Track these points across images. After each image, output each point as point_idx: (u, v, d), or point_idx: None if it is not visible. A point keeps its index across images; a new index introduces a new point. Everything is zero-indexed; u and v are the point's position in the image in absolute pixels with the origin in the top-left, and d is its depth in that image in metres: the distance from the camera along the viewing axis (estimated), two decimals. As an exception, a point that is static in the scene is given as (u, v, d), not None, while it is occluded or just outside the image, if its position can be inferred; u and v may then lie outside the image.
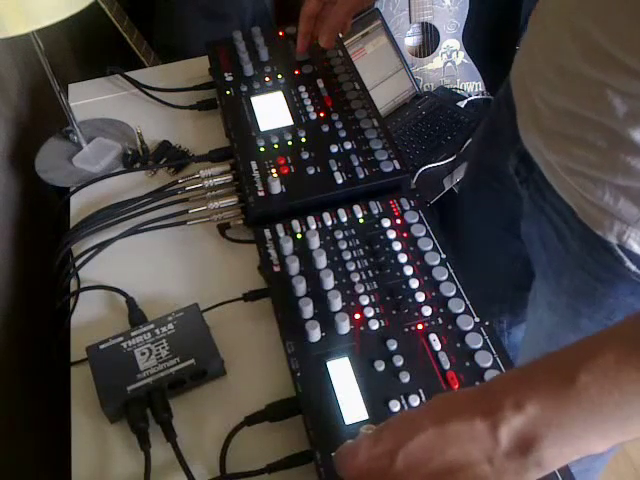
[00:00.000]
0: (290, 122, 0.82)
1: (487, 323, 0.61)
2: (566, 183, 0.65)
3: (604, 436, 0.41)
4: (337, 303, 0.62)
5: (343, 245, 0.68)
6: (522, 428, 0.41)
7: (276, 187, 0.74)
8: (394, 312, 0.63)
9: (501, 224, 0.86)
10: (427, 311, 0.62)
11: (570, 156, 0.63)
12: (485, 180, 0.87)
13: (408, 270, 0.66)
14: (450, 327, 0.61)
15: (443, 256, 0.67)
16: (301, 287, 0.64)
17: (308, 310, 0.62)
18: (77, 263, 0.76)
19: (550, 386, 0.41)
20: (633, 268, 0.63)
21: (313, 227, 0.71)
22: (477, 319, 0.61)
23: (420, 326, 0.61)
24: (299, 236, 0.70)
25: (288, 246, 0.68)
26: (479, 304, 0.63)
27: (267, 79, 0.88)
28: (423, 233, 0.69)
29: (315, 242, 0.68)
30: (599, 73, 0.56)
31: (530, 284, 0.83)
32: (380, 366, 0.58)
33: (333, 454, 0.49)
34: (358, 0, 0.81)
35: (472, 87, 1.76)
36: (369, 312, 0.63)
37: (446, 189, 1.52)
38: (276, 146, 0.79)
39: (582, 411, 0.40)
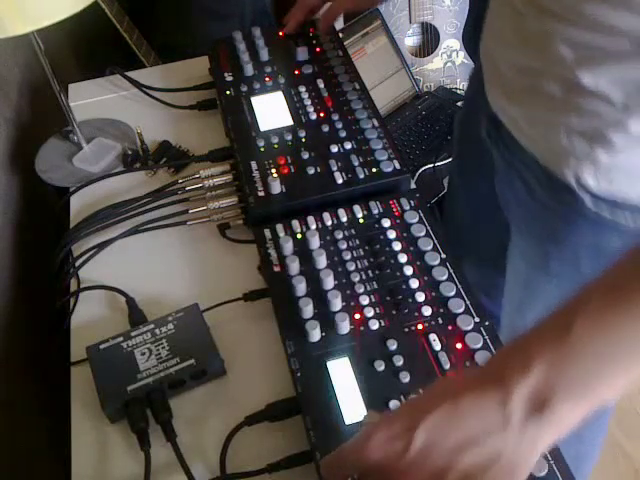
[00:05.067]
0: (290, 122, 0.82)
1: (487, 323, 0.61)
2: (529, 135, 0.71)
3: (612, 383, 0.42)
4: (337, 303, 0.62)
5: (343, 245, 0.68)
6: (533, 389, 0.41)
7: (276, 187, 0.74)
8: (394, 312, 0.63)
9: (484, 191, 0.90)
10: (427, 311, 0.62)
11: (530, 107, 0.69)
12: (468, 151, 0.94)
13: (408, 270, 0.66)
14: (450, 327, 0.61)
15: (443, 256, 0.67)
16: (301, 287, 0.64)
17: (308, 310, 0.62)
18: (77, 263, 0.76)
19: (549, 343, 0.42)
20: (589, 205, 0.67)
21: (313, 227, 0.71)
22: (477, 319, 0.61)
23: (420, 326, 0.61)
24: (299, 236, 0.70)
25: (288, 246, 0.68)
26: (479, 304, 0.63)
27: (267, 79, 0.88)
28: (423, 233, 0.69)
29: (315, 242, 0.68)
30: (547, 27, 0.62)
31: (507, 234, 0.88)
32: (380, 366, 0.58)
33: (329, 455, 0.48)
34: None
35: (472, 87, 1.75)
36: (369, 312, 0.63)
37: (446, 189, 1.52)
38: (276, 146, 0.79)
39: (584, 359, 0.41)
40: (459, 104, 1.69)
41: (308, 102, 0.84)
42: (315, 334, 0.61)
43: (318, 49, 0.92)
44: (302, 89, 0.86)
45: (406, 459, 0.42)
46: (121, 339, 0.65)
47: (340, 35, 0.96)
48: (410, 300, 0.63)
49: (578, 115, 0.64)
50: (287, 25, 0.93)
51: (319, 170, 0.76)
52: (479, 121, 0.83)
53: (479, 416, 0.42)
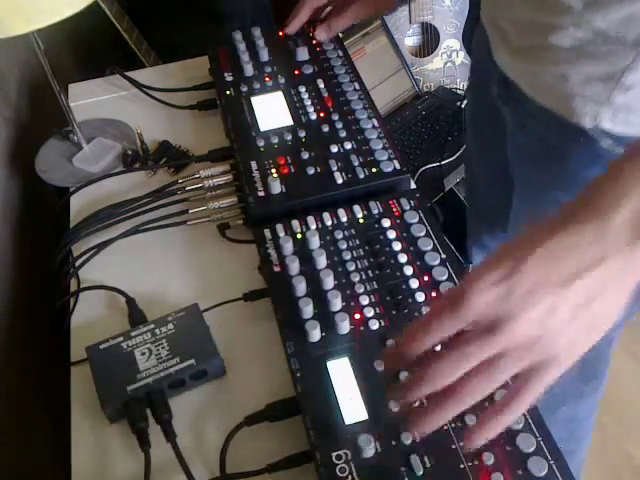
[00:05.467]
0: (290, 122, 0.82)
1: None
2: (540, 88, 0.73)
3: None
4: (337, 303, 0.62)
5: (343, 245, 0.68)
6: (634, 210, 0.40)
7: (276, 187, 0.74)
8: (394, 312, 0.63)
9: (497, 154, 0.92)
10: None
11: (540, 62, 0.71)
12: (480, 116, 0.96)
13: (408, 270, 0.66)
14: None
15: (443, 256, 0.67)
16: (301, 287, 0.64)
17: (308, 310, 0.62)
18: (77, 263, 0.76)
19: None
20: (605, 146, 0.69)
21: (313, 227, 0.71)
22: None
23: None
24: (299, 236, 0.70)
25: (288, 246, 0.68)
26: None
27: (267, 79, 0.88)
28: (423, 233, 0.69)
29: (315, 242, 0.68)
30: None
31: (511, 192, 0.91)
32: (380, 366, 0.58)
33: (409, 327, 0.44)
34: (379, 6, 0.89)
35: (472, 87, 1.75)
36: (369, 312, 0.63)
37: (446, 189, 1.52)
38: (276, 146, 0.79)
39: None
40: (459, 104, 1.70)
41: (308, 102, 0.84)
42: (315, 334, 0.61)
43: (318, 49, 0.92)
44: (302, 89, 0.86)
45: (510, 303, 0.40)
46: (121, 339, 0.65)
47: (340, 35, 0.96)
48: (410, 300, 0.63)
49: (590, 61, 0.65)
50: (289, 25, 0.93)
51: (319, 170, 0.76)
52: (488, 85, 0.85)
53: (581, 249, 0.41)
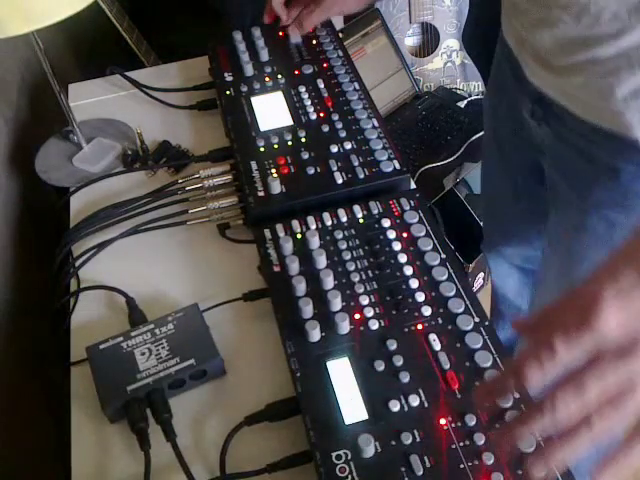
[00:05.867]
0: (290, 122, 0.82)
1: (487, 323, 0.61)
2: (585, 101, 0.70)
3: None
4: (337, 303, 0.62)
5: (343, 245, 0.68)
6: None
7: (276, 187, 0.74)
8: (394, 312, 0.63)
9: (522, 176, 0.91)
10: (427, 311, 0.62)
11: (586, 76, 0.68)
12: (503, 141, 0.93)
13: (408, 270, 0.66)
14: (450, 327, 0.61)
15: (443, 256, 0.67)
16: (301, 287, 0.64)
17: (308, 310, 0.62)
18: (77, 263, 0.76)
19: None
20: None
21: (313, 227, 0.71)
22: (477, 319, 0.61)
23: (420, 326, 0.61)
24: (299, 236, 0.70)
25: (288, 246, 0.68)
26: (479, 304, 0.63)
27: (267, 79, 0.88)
28: (423, 233, 0.69)
29: (315, 242, 0.68)
30: None
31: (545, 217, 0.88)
32: (380, 366, 0.58)
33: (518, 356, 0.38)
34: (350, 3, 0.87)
35: (472, 87, 1.76)
36: (369, 312, 0.63)
37: (446, 189, 1.52)
38: (276, 146, 0.79)
39: None
40: (459, 104, 1.70)
41: (308, 102, 0.84)
42: (315, 334, 0.61)
43: (318, 49, 0.92)
44: (302, 89, 0.86)
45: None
46: (121, 339, 0.65)
47: (340, 35, 0.96)
48: (410, 300, 0.63)
49: (637, 70, 0.63)
50: (265, 19, 0.94)
51: (319, 170, 0.76)
52: (517, 105, 0.82)
53: None
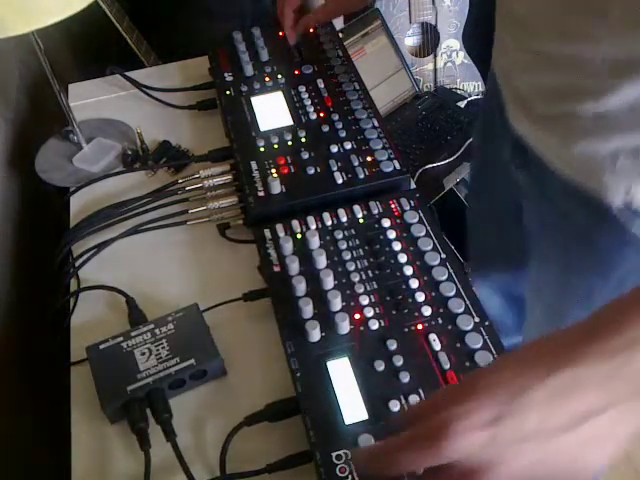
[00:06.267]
0: (290, 122, 0.82)
1: (487, 323, 0.61)
2: (564, 159, 0.67)
3: None
4: (337, 303, 0.62)
5: (343, 245, 0.68)
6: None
7: (276, 187, 0.74)
8: (394, 312, 0.63)
9: (506, 213, 0.87)
10: (427, 311, 0.62)
11: (563, 132, 0.65)
12: (489, 174, 0.89)
13: (408, 270, 0.66)
14: (450, 327, 0.61)
15: (443, 256, 0.67)
16: (301, 287, 0.64)
17: (308, 310, 0.62)
18: (77, 263, 0.76)
19: None
20: (638, 232, 0.64)
21: (313, 227, 0.71)
22: (477, 319, 0.61)
23: (420, 326, 0.61)
24: (299, 236, 0.70)
25: (288, 246, 0.68)
26: (479, 304, 0.63)
27: (267, 79, 0.88)
28: (423, 233, 0.69)
29: (315, 242, 0.68)
30: (571, 50, 0.58)
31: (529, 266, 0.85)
32: (380, 366, 0.58)
33: (374, 448, 0.42)
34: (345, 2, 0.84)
35: (472, 87, 1.76)
36: (369, 312, 0.63)
37: (446, 189, 1.52)
38: (276, 146, 0.79)
39: None
40: (459, 104, 1.70)
41: (308, 102, 0.84)
42: (315, 334, 0.61)
43: (318, 49, 0.92)
44: (302, 89, 0.86)
45: (496, 452, 0.36)
46: (121, 339, 0.65)
47: (340, 35, 0.96)
48: (410, 300, 0.63)
49: (621, 133, 0.60)
50: (288, 38, 0.90)
51: (319, 170, 0.76)
52: (500, 145, 0.79)
53: (584, 393, 0.36)
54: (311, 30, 0.93)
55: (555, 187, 0.70)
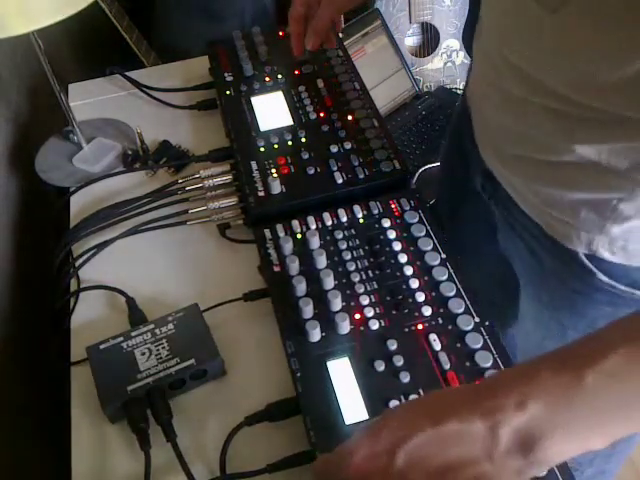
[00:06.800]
0: (290, 122, 0.82)
1: (487, 323, 0.61)
2: (529, 200, 0.66)
3: (606, 433, 0.41)
4: (337, 303, 0.62)
5: (343, 245, 0.68)
6: (524, 427, 0.40)
7: (276, 187, 0.74)
8: (394, 312, 0.63)
9: (481, 234, 0.84)
10: (427, 311, 0.62)
11: (527, 176, 0.65)
12: (459, 196, 0.86)
13: (408, 270, 0.66)
14: (450, 327, 0.61)
15: (443, 256, 0.67)
16: (301, 287, 0.64)
17: (308, 310, 0.62)
18: (77, 263, 0.76)
19: (556, 386, 0.41)
20: (605, 279, 0.63)
21: (313, 227, 0.71)
22: (477, 319, 0.61)
23: (420, 326, 0.61)
24: (299, 236, 0.70)
25: (288, 246, 0.68)
26: (479, 304, 0.63)
27: (267, 79, 0.88)
28: (423, 233, 0.69)
29: (315, 242, 0.68)
30: (533, 98, 0.58)
31: (516, 291, 0.82)
32: (380, 366, 0.58)
33: (319, 458, 0.48)
34: (343, 1, 0.81)
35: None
36: (369, 312, 0.63)
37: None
38: (276, 146, 0.79)
39: (587, 411, 0.40)
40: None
41: (308, 102, 0.84)
42: (315, 334, 0.61)
43: (318, 49, 0.92)
44: (302, 89, 0.86)
45: (388, 477, 0.42)
46: (121, 339, 0.65)
47: (340, 35, 0.96)
48: (410, 300, 0.63)
49: (583, 187, 0.59)
50: (294, 52, 0.85)
51: (319, 170, 0.76)
52: (471, 171, 0.77)
53: (462, 443, 0.41)
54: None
55: (524, 225, 0.69)
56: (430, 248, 0.67)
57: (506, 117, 0.64)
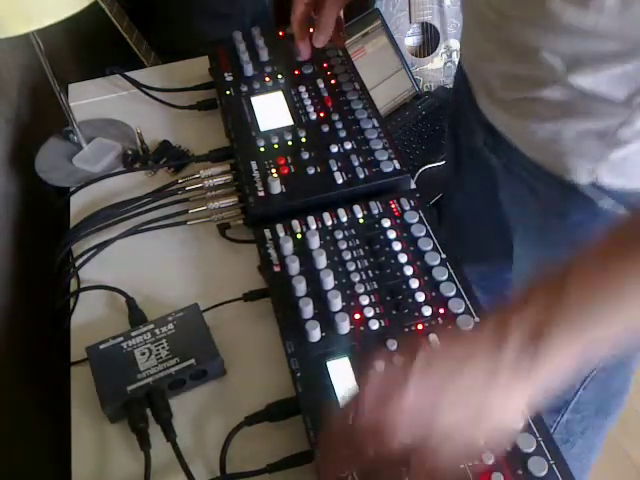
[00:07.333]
0: (290, 122, 0.82)
1: (487, 323, 0.61)
2: (531, 143, 0.69)
3: (605, 322, 0.43)
4: (337, 303, 0.62)
5: (343, 245, 0.68)
6: (530, 321, 0.43)
7: (276, 187, 0.74)
8: (394, 312, 0.63)
9: (481, 189, 0.88)
10: (427, 311, 0.62)
11: (527, 116, 0.67)
12: (463, 160, 0.91)
13: (408, 270, 0.66)
14: (450, 327, 0.61)
15: (443, 256, 0.67)
16: (301, 287, 0.64)
17: (308, 310, 0.62)
18: (77, 263, 0.76)
19: (544, 292, 0.44)
20: (606, 206, 0.66)
21: (313, 227, 0.71)
22: (477, 319, 0.61)
23: (420, 326, 0.61)
24: (299, 236, 0.70)
25: (288, 246, 0.68)
26: (479, 305, 0.63)
27: (267, 79, 0.88)
28: (423, 233, 0.69)
29: (315, 242, 0.68)
30: (528, 38, 0.61)
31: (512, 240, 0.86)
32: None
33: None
34: None
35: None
36: (369, 312, 0.63)
37: (443, 194, 1.52)
38: (276, 146, 0.79)
39: (580, 298, 0.43)
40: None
41: (308, 102, 0.84)
42: (315, 334, 0.61)
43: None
44: (302, 89, 0.86)
45: (406, 380, 0.44)
46: (121, 339, 0.65)
47: (340, 35, 0.95)
48: (410, 300, 0.63)
49: (581, 118, 0.63)
50: (301, 55, 0.86)
51: (319, 170, 0.76)
52: (472, 130, 0.81)
53: (477, 344, 0.44)
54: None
55: (525, 167, 0.72)
56: (430, 248, 0.67)
57: (502, 64, 0.67)
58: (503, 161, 0.77)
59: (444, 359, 0.45)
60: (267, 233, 0.70)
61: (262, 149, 0.79)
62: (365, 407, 0.45)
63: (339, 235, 0.69)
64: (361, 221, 0.71)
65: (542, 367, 0.43)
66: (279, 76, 0.88)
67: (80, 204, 0.83)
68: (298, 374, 0.59)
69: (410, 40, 1.72)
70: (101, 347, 0.64)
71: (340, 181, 0.74)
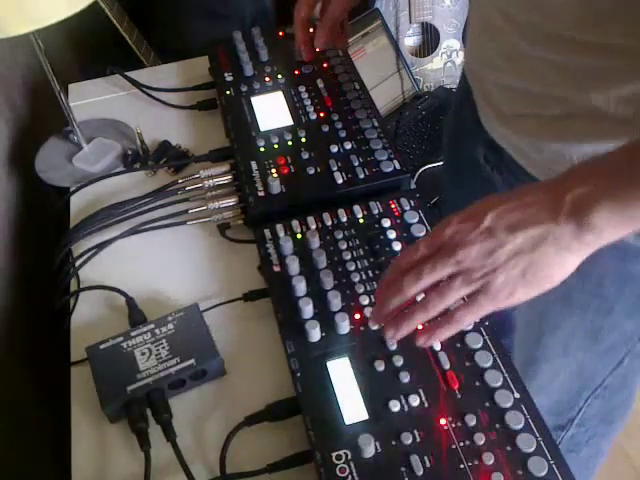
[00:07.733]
0: (290, 122, 0.82)
1: (487, 323, 0.61)
2: (535, 160, 0.68)
3: None
4: (337, 303, 0.62)
5: (343, 245, 0.68)
6: (582, 193, 0.47)
7: (276, 187, 0.74)
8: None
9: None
10: (427, 311, 0.62)
11: (532, 133, 0.66)
12: (463, 174, 0.88)
13: (408, 270, 0.66)
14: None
15: (443, 256, 0.67)
16: (301, 287, 0.64)
17: (308, 310, 0.62)
18: (77, 263, 0.76)
19: (598, 164, 0.48)
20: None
21: (313, 227, 0.71)
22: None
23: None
24: (299, 236, 0.70)
25: (288, 246, 0.68)
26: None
27: (267, 79, 0.88)
28: (423, 233, 0.69)
29: (315, 242, 0.68)
30: (536, 52, 0.60)
31: None
32: (380, 366, 0.58)
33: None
34: None
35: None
36: (369, 312, 0.63)
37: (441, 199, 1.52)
38: (276, 146, 0.79)
39: (630, 184, 0.46)
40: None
41: (308, 102, 0.84)
42: (315, 334, 0.61)
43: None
44: (302, 89, 0.86)
45: (474, 232, 0.49)
46: (121, 339, 0.65)
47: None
48: (410, 300, 0.63)
49: (589, 138, 0.61)
50: (303, 54, 0.85)
51: (319, 170, 0.76)
52: (474, 144, 0.78)
53: (537, 207, 0.49)
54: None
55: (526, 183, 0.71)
56: (430, 248, 0.67)
57: (507, 76, 0.65)
58: (506, 179, 0.75)
59: (507, 219, 0.49)
60: (267, 233, 0.70)
61: (262, 149, 0.79)
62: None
63: (339, 235, 0.69)
64: (361, 221, 0.71)
65: (588, 234, 0.47)
66: (279, 76, 0.88)
67: (80, 204, 0.83)
68: (298, 374, 0.59)
69: (410, 40, 1.72)
70: (101, 347, 0.64)
71: (340, 181, 0.75)
